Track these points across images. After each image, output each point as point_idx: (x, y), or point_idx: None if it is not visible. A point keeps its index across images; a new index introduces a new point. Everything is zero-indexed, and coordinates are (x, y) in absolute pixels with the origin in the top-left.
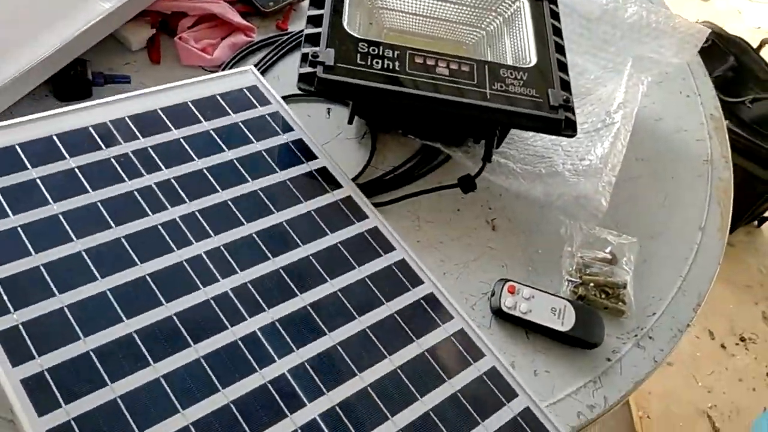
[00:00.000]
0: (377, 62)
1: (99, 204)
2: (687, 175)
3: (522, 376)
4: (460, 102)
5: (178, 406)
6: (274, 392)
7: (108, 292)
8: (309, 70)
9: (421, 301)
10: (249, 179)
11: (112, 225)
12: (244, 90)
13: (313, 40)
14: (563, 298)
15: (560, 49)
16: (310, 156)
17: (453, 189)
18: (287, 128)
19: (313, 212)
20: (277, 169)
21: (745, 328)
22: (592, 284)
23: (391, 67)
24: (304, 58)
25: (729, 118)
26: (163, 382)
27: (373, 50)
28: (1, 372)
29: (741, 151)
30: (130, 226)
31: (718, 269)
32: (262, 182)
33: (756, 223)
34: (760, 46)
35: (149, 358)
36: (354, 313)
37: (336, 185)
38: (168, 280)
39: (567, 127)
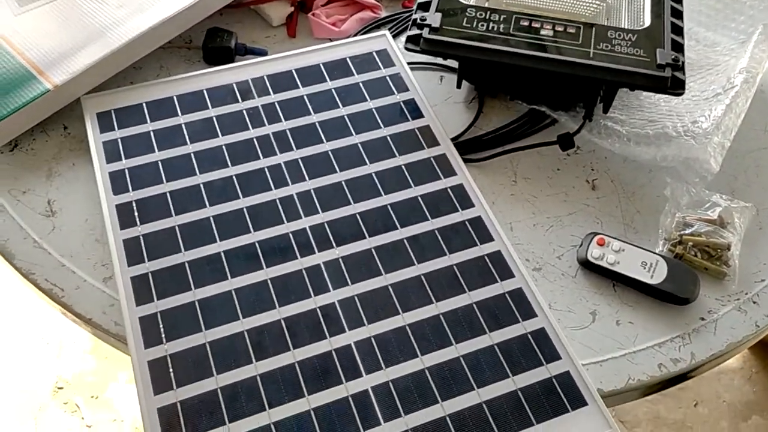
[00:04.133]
0: (482, 25)
1: (223, 147)
2: None
3: (603, 326)
4: (560, 60)
5: (240, 314)
6: (320, 316)
7: (211, 218)
8: (416, 32)
9: (485, 257)
10: (353, 133)
11: (229, 165)
12: (374, 53)
13: (425, 7)
14: (656, 253)
15: (676, 14)
16: (418, 115)
17: (556, 151)
18: (403, 89)
19: (403, 166)
20: (382, 125)
21: None
22: (691, 244)
23: (495, 29)
24: (413, 22)
25: None
26: (234, 294)
27: (480, 15)
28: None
29: None
30: (243, 167)
31: None
32: (365, 136)
33: None
34: None
35: (228, 273)
36: (414, 259)
37: (434, 143)
38: (260, 213)
39: (674, 86)
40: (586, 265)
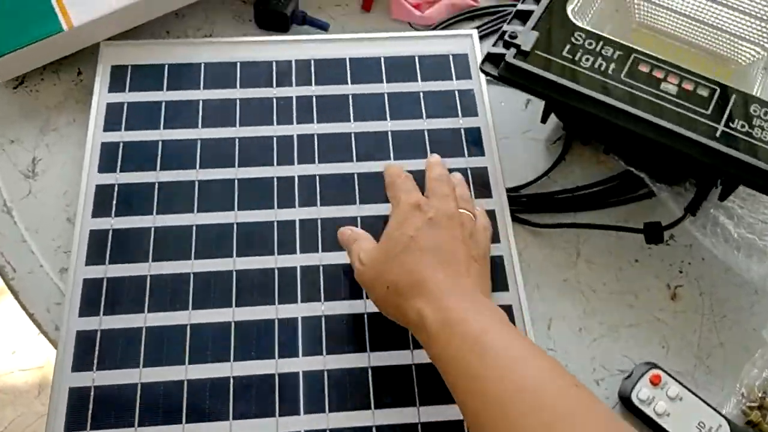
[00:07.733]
0: (587, 59)
1: (237, 140)
2: None
3: None
4: (672, 131)
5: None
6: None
7: (194, 227)
8: (500, 50)
9: None
10: (391, 156)
11: (236, 165)
12: (450, 57)
13: (523, 17)
14: (721, 414)
15: None
16: (477, 152)
17: (636, 234)
18: (471, 112)
19: None
20: (429, 154)
21: None
22: None
23: (602, 68)
24: (500, 35)
25: None
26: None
27: (590, 44)
28: None
29: None
30: (249, 171)
31: None
32: (404, 164)
33: None
34: None
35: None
36: None
37: (485, 193)
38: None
39: None
40: (627, 405)
